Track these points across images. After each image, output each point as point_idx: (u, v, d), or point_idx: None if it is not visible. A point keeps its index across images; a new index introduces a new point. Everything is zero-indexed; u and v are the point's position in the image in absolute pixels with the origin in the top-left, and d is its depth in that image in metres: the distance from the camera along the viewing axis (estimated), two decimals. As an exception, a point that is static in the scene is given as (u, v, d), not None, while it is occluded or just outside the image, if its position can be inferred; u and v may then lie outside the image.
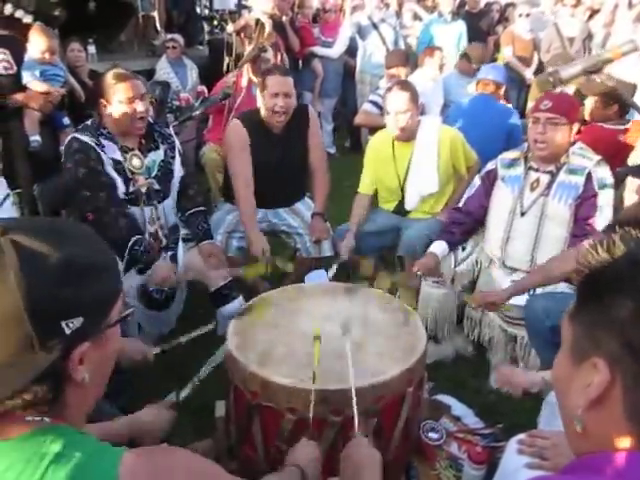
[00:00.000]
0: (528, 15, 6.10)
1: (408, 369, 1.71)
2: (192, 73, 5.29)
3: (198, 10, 7.04)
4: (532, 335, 2.32)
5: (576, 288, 0.83)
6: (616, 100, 2.87)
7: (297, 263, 3.25)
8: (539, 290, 2.39)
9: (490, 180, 2.70)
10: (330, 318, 1.97)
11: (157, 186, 2.58)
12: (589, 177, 2.45)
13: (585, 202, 2.44)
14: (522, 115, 4.37)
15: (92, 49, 5.45)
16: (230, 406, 1.87)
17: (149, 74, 5.15)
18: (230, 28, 5.13)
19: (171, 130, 2.79)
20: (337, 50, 5.95)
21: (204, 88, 4.95)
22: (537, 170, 2.55)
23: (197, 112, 4.19)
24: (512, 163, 2.64)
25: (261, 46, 4.06)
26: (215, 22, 6.86)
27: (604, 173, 2.46)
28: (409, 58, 4.75)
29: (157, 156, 2.61)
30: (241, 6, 7.29)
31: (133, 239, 2.44)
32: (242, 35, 4.67)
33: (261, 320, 1.97)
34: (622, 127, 3.09)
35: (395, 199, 3.16)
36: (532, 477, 0.78)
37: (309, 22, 6.14)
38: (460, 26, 6.04)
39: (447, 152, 3.01)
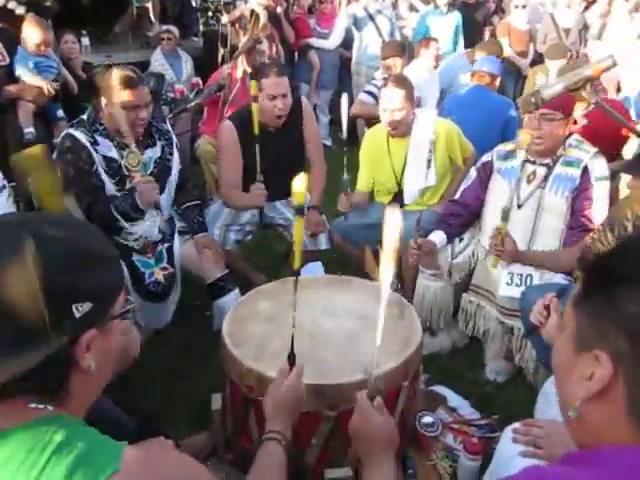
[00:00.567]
0: (524, 6, 6.08)
1: (404, 362, 1.72)
2: (187, 65, 5.26)
3: (193, 1, 6.98)
4: (533, 330, 2.32)
5: (582, 274, 0.81)
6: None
7: (291, 264, 3.25)
8: (535, 281, 2.40)
9: (486, 172, 2.70)
10: (326, 311, 1.98)
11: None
12: (585, 169, 2.45)
13: (581, 194, 2.45)
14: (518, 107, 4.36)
15: (86, 41, 5.41)
16: (226, 399, 1.87)
17: (143, 66, 5.11)
18: (225, 19, 5.10)
19: (168, 126, 2.78)
20: (333, 41, 5.92)
21: (199, 80, 4.92)
22: (533, 163, 2.55)
23: (192, 104, 4.17)
24: (508, 155, 2.64)
25: (256, 37, 4.04)
26: (210, 13, 6.80)
27: (600, 165, 2.46)
28: (405, 49, 4.73)
29: (154, 153, 2.60)
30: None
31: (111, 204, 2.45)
32: (237, 26, 4.65)
33: (257, 313, 1.97)
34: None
35: (391, 193, 3.16)
36: (527, 466, 0.77)
37: (304, 13, 6.11)
38: (456, 17, 6.01)
39: (443, 145, 3.00)
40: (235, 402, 1.81)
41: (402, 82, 2.97)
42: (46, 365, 0.79)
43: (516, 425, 1.55)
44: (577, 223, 2.43)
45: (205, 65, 5.16)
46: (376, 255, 3.36)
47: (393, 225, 1.28)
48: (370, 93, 4.28)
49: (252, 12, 4.55)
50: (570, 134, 2.56)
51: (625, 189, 2.52)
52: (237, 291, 2.65)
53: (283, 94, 2.87)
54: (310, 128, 3.14)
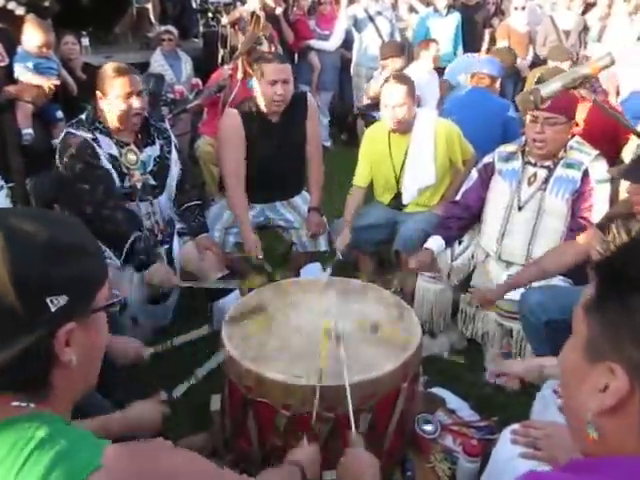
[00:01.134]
0: (524, 8, 6.09)
1: (403, 364, 1.71)
2: (186, 66, 5.26)
3: (193, 2, 6.98)
4: (527, 329, 2.33)
5: (595, 277, 0.76)
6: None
7: (293, 258, 3.26)
8: (534, 283, 2.40)
9: (487, 173, 2.70)
10: (325, 313, 1.97)
11: (152, 181, 2.57)
12: (586, 172, 2.45)
13: (582, 196, 2.45)
14: (518, 108, 4.36)
15: (86, 42, 5.41)
16: (225, 400, 1.87)
17: (143, 67, 5.11)
18: (225, 20, 5.10)
19: (167, 125, 2.78)
20: (334, 43, 5.92)
21: (199, 81, 4.92)
22: (534, 165, 2.55)
23: (191, 105, 4.17)
24: (509, 157, 2.64)
25: (255, 37, 4.03)
26: (210, 14, 6.80)
27: (601, 168, 2.46)
28: (404, 49, 4.74)
29: (153, 151, 2.60)
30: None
31: (134, 235, 2.44)
32: (237, 27, 4.65)
33: (256, 314, 1.97)
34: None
35: (391, 192, 3.15)
36: (527, 472, 0.75)
37: (304, 14, 6.11)
38: (456, 19, 6.02)
39: (443, 145, 3.00)
40: (234, 403, 1.81)
41: (404, 78, 2.98)
42: (25, 359, 0.79)
43: (515, 426, 1.55)
44: (577, 225, 2.43)
45: (205, 66, 5.16)
46: (378, 256, 3.37)
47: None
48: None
49: (252, 13, 4.56)
50: (572, 136, 2.56)
51: (624, 191, 2.53)
52: (237, 292, 2.65)
53: (284, 80, 2.83)
54: (312, 126, 3.10)
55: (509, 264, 2.58)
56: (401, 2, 7.15)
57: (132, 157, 2.50)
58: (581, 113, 2.97)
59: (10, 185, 2.85)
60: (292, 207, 3.17)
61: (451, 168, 3.12)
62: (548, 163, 2.52)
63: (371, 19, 5.79)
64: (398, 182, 3.09)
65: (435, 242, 2.67)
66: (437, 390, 2.27)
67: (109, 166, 2.44)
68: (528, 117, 2.50)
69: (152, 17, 6.52)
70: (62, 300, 0.80)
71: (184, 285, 2.62)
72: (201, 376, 1.80)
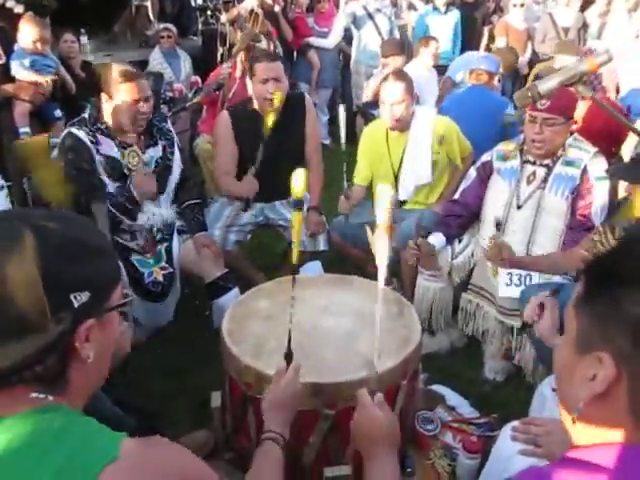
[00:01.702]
0: (522, 5, 6.08)
1: (402, 361, 1.72)
2: (185, 64, 5.26)
3: (191, 0, 6.97)
4: (528, 328, 2.32)
5: (583, 276, 0.80)
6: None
7: (291, 260, 3.25)
8: (534, 281, 2.40)
9: (486, 172, 2.70)
10: (325, 310, 1.98)
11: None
12: (585, 169, 2.45)
13: (581, 194, 2.44)
14: (516, 106, 4.36)
15: (84, 40, 5.41)
16: (225, 396, 1.87)
17: (142, 65, 5.11)
18: (224, 18, 5.09)
19: (170, 125, 2.77)
20: (332, 40, 5.91)
21: (198, 79, 4.92)
22: (533, 163, 2.55)
23: (191, 103, 4.17)
24: (508, 155, 2.63)
25: (252, 34, 4.03)
26: (209, 12, 6.79)
27: (600, 165, 2.46)
28: (405, 47, 4.74)
29: (155, 152, 2.60)
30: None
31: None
32: (235, 25, 4.64)
33: (256, 312, 1.97)
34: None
35: (389, 190, 3.15)
36: (526, 468, 0.77)
37: (302, 12, 6.10)
38: (455, 16, 6.02)
39: (437, 142, 3.00)
40: (234, 400, 1.81)
41: (402, 76, 2.98)
42: (46, 353, 0.82)
43: (515, 423, 1.55)
44: (577, 223, 2.43)
45: (204, 64, 5.16)
46: (370, 255, 3.37)
47: (384, 202, 1.31)
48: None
49: (251, 11, 4.56)
50: (570, 133, 2.56)
51: (623, 189, 2.53)
52: (236, 290, 2.65)
53: (274, 78, 2.85)
54: (311, 126, 3.12)
55: (508, 262, 2.58)
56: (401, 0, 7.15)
57: (134, 159, 2.50)
58: (580, 110, 2.97)
59: (8, 184, 2.85)
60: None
61: (449, 165, 3.12)
62: (547, 161, 2.51)
63: (370, 16, 5.77)
64: (396, 179, 3.10)
65: (436, 238, 2.67)
66: (437, 387, 2.28)
67: (103, 175, 2.45)
68: (527, 117, 2.49)
69: (151, 15, 6.51)
70: (84, 297, 0.84)
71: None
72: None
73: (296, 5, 6.07)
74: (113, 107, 2.40)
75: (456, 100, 3.86)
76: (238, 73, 3.96)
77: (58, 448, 0.78)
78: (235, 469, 1.79)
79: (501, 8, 7.28)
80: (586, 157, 2.46)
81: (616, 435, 0.73)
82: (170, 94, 4.73)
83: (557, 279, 2.37)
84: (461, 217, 2.75)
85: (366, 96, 4.68)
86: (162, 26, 5.47)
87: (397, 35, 5.99)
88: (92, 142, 2.43)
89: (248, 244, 3.34)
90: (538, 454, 1.45)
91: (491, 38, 6.44)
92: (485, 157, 2.73)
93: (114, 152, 2.47)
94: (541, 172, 2.52)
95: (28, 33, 3.61)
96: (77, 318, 0.84)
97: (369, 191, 3.26)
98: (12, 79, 3.56)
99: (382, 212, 1.31)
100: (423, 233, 2.65)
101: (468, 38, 6.20)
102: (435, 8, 6.05)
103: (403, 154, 3.03)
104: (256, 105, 2.94)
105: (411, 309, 1.99)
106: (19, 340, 0.80)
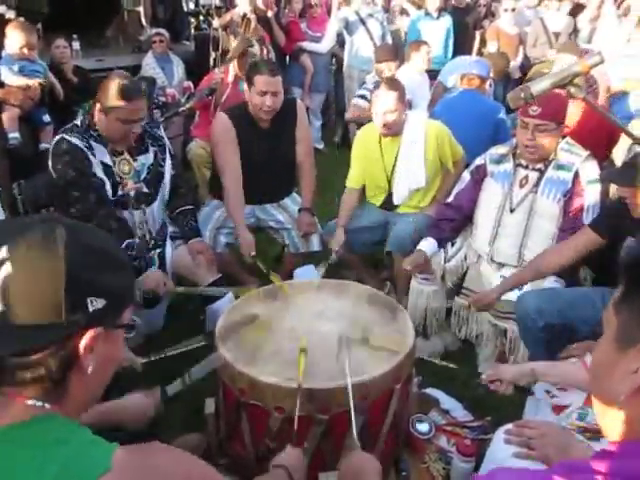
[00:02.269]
0: (513, 10, 6.13)
1: (396, 366, 1.72)
2: (178, 69, 5.25)
3: (184, 5, 6.97)
4: (523, 333, 2.32)
5: (623, 276, 0.83)
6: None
7: (286, 260, 3.26)
8: (527, 287, 2.40)
9: (479, 175, 2.71)
10: (319, 315, 1.98)
11: (146, 189, 2.56)
12: (577, 173, 2.47)
13: (573, 197, 2.46)
14: (508, 110, 4.39)
15: (76, 45, 5.40)
16: (219, 402, 1.87)
17: (135, 70, 5.10)
18: (216, 23, 5.10)
19: (162, 131, 2.77)
20: (326, 45, 5.92)
21: (190, 84, 4.91)
22: (526, 167, 2.57)
23: (183, 108, 4.17)
24: (501, 159, 2.65)
25: (247, 40, 4.04)
26: (201, 17, 6.79)
27: (591, 168, 2.48)
28: (398, 53, 4.75)
29: (147, 159, 2.59)
30: (227, 1, 7.23)
31: (125, 242, 2.43)
32: (228, 30, 4.65)
33: (250, 317, 1.97)
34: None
35: (382, 194, 3.17)
36: (558, 463, 0.79)
37: (296, 16, 6.12)
38: (447, 22, 6.06)
39: (434, 146, 3.01)
40: (228, 406, 1.80)
41: (395, 84, 2.99)
42: (50, 350, 0.83)
43: (509, 426, 1.56)
44: (569, 225, 2.45)
45: (196, 69, 5.16)
46: (371, 257, 3.37)
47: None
48: (363, 97, 4.31)
49: (244, 16, 4.56)
50: (563, 136, 2.57)
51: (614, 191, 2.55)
52: (230, 295, 2.65)
53: (273, 92, 2.88)
54: (302, 130, 3.15)
55: (501, 265, 2.59)
56: (393, 5, 7.17)
57: (125, 167, 2.49)
58: (572, 112, 2.98)
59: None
60: (282, 208, 3.19)
61: (442, 169, 3.13)
62: (539, 165, 2.53)
63: (362, 22, 5.79)
64: (389, 184, 3.11)
65: (428, 244, 2.68)
66: (431, 391, 2.27)
67: (102, 175, 2.43)
68: (519, 123, 2.51)
69: (143, 20, 6.51)
70: (100, 304, 0.86)
71: (178, 291, 2.61)
72: (194, 379, 1.79)
73: (289, 10, 6.08)
74: (107, 119, 2.38)
75: (448, 105, 3.87)
76: (230, 78, 3.97)
77: (53, 459, 0.78)
78: (229, 475, 1.78)
79: (492, 13, 7.33)
80: (578, 161, 2.48)
81: None
82: (163, 99, 4.72)
83: (550, 282, 2.38)
84: (454, 221, 2.76)
85: (350, 112, 4.68)
86: (155, 31, 5.46)
87: (389, 40, 6.02)
88: (87, 147, 2.42)
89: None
90: (532, 456, 1.45)
91: (483, 42, 6.49)
92: (478, 161, 2.75)
93: (107, 159, 2.46)
94: (533, 176, 2.54)
95: (15, 39, 3.59)
96: (88, 323, 0.85)
97: (363, 195, 3.27)
98: (0, 85, 3.54)
99: None
100: (417, 239, 2.67)
101: (460, 43, 6.23)
102: (427, 13, 6.08)
103: (396, 159, 3.04)
104: (251, 111, 2.97)
105: (404, 313, 1.99)
106: (32, 327, 0.82)
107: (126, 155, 2.48)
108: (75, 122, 2.49)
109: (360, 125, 4.04)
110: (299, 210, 3.13)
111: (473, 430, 2.06)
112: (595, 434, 1.53)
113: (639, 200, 1.99)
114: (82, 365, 0.86)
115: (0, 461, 0.78)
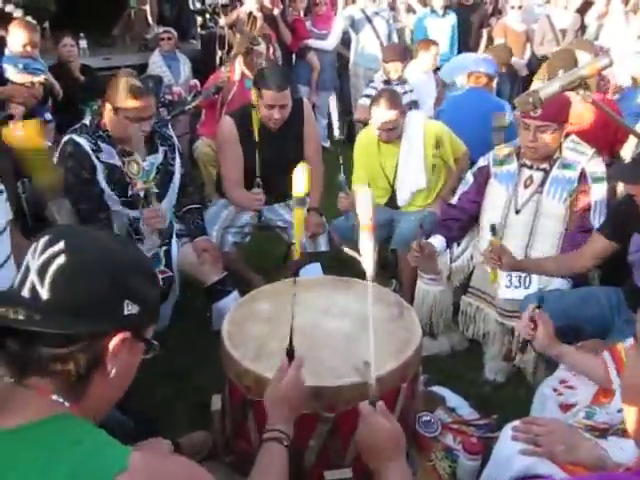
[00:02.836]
0: (520, 7, 6.10)
1: (403, 364, 1.71)
2: (185, 67, 5.27)
3: (190, 4, 6.98)
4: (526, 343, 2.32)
5: None
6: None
7: (292, 258, 3.25)
8: (534, 282, 2.39)
9: (483, 177, 2.69)
10: (326, 312, 1.97)
11: (155, 189, 2.57)
12: (583, 171, 2.45)
13: (579, 196, 2.45)
14: (514, 108, 4.37)
15: (83, 44, 5.42)
16: (225, 400, 1.87)
17: (141, 68, 5.12)
18: (222, 22, 5.10)
19: (171, 131, 2.77)
20: (332, 42, 5.90)
21: (197, 82, 4.92)
22: (530, 167, 2.55)
23: (190, 106, 4.17)
24: (505, 159, 2.63)
25: (251, 37, 4.04)
26: (207, 16, 6.80)
27: (597, 166, 2.46)
28: (407, 53, 4.75)
29: (156, 159, 2.60)
30: (234, -1, 7.25)
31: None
32: (234, 28, 4.65)
33: (256, 314, 1.97)
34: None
35: (386, 194, 3.18)
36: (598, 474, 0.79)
37: (299, 14, 6.11)
38: (453, 19, 6.04)
39: (434, 146, 3.02)
40: (234, 403, 1.81)
41: (393, 99, 2.99)
42: (80, 349, 0.86)
43: (515, 423, 1.56)
44: (576, 225, 2.43)
45: (203, 67, 5.16)
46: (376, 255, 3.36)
47: (364, 203, 1.33)
48: (369, 96, 4.30)
49: (250, 14, 4.56)
50: (567, 135, 2.56)
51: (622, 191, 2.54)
52: (236, 293, 2.65)
53: (281, 105, 2.89)
54: (310, 130, 3.15)
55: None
56: (398, 2, 7.15)
57: (135, 167, 2.50)
58: (579, 110, 2.96)
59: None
60: (290, 208, 3.18)
61: (444, 167, 3.13)
62: (544, 165, 2.51)
63: (368, 20, 5.78)
64: (392, 185, 3.11)
65: (437, 241, 2.67)
66: (437, 389, 2.27)
67: (103, 182, 2.45)
68: (521, 124, 2.49)
69: (150, 19, 6.53)
70: (134, 309, 0.91)
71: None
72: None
73: (294, 8, 6.08)
74: (116, 118, 2.39)
75: (454, 103, 3.86)
76: (237, 76, 3.97)
77: (63, 460, 0.79)
78: (235, 472, 1.79)
79: (499, 10, 7.30)
80: (583, 159, 2.47)
81: None
82: (169, 97, 4.74)
83: (558, 284, 2.38)
84: (459, 220, 2.75)
85: (358, 113, 4.69)
86: (162, 29, 5.48)
87: (395, 38, 6.01)
88: (93, 150, 2.43)
89: (247, 247, 3.34)
90: (539, 453, 1.45)
91: (490, 40, 6.46)
92: (482, 162, 2.73)
93: (115, 160, 2.47)
94: (538, 176, 2.52)
95: (18, 37, 3.61)
96: (121, 325, 0.90)
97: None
98: (4, 83, 3.55)
99: (363, 213, 1.32)
100: (424, 235, 2.65)
101: (465, 41, 6.21)
102: (433, 11, 6.07)
103: (397, 161, 3.05)
104: (260, 116, 2.97)
105: (411, 311, 1.99)
106: (72, 317, 0.86)
107: (135, 156, 2.49)
108: (84, 122, 2.50)
109: (366, 124, 4.05)
110: (307, 210, 3.13)
111: (479, 428, 2.06)
112: (602, 432, 1.53)
113: None
114: (106, 367, 0.90)
115: (1, 461, 0.79)
